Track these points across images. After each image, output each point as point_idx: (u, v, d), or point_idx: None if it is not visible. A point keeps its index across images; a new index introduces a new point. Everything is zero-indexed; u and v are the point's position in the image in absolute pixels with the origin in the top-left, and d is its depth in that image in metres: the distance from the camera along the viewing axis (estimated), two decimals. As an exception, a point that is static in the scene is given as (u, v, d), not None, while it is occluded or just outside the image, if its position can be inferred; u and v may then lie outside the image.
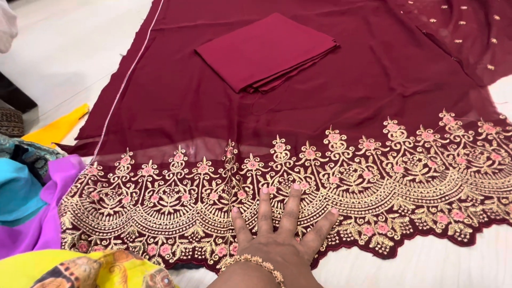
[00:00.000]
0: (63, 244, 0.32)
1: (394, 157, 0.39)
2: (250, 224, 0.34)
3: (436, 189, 0.34)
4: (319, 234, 0.31)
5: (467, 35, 0.57)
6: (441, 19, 0.63)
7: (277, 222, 0.34)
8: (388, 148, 0.40)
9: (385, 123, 0.43)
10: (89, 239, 0.35)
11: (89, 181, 0.41)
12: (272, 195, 0.37)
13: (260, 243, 0.28)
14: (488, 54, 0.51)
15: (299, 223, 0.34)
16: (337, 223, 0.33)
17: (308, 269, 0.28)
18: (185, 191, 0.39)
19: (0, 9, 0.39)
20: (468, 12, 0.63)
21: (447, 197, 0.33)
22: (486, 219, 0.31)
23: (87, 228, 0.35)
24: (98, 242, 0.35)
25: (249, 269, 0.23)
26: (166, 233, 0.35)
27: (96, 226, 0.36)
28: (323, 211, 0.34)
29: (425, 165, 0.37)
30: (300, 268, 0.26)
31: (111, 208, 0.39)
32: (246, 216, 0.35)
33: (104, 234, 0.36)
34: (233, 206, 0.36)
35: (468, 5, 0.65)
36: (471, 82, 0.46)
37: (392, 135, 0.41)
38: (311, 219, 0.34)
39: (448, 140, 0.39)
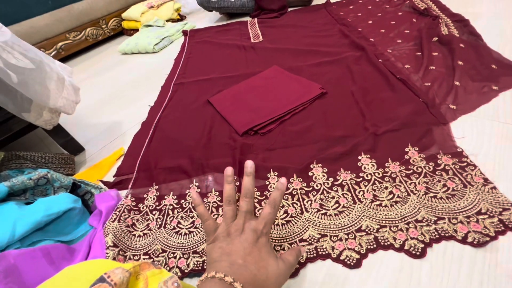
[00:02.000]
0: (107, 258, 0.43)
1: (365, 186, 0.47)
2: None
3: (398, 211, 0.42)
4: (273, 205, 0.34)
5: (435, 78, 0.67)
6: (415, 65, 0.74)
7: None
8: (361, 178, 0.48)
9: (359, 157, 0.52)
10: (124, 254, 0.45)
11: (125, 209, 0.53)
12: (265, 219, 0.46)
13: (222, 246, 0.32)
14: (451, 95, 0.60)
15: (284, 240, 0.42)
16: (315, 240, 0.41)
17: (265, 249, 0.32)
18: (197, 216, 0.50)
19: (69, 84, 0.56)
20: (438, 58, 0.74)
21: (406, 218, 0.41)
22: (437, 236, 0.38)
23: (124, 246, 0.46)
24: (131, 257, 0.45)
25: (216, 286, 0.27)
26: (183, 249, 0.45)
27: (130, 245, 0.47)
28: (305, 230, 0.43)
29: (391, 192, 0.45)
30: (258, 262, 0.30)
31: (141, 231, 0.50)
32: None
33: (136, 251, 0.46)
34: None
35: (438, 51, 0.76)
36: (435, 120, 0.55)
37: (364, 168, 0.50)
38: (296, 237, 0.42)
39: (411, 171, 0.47)
